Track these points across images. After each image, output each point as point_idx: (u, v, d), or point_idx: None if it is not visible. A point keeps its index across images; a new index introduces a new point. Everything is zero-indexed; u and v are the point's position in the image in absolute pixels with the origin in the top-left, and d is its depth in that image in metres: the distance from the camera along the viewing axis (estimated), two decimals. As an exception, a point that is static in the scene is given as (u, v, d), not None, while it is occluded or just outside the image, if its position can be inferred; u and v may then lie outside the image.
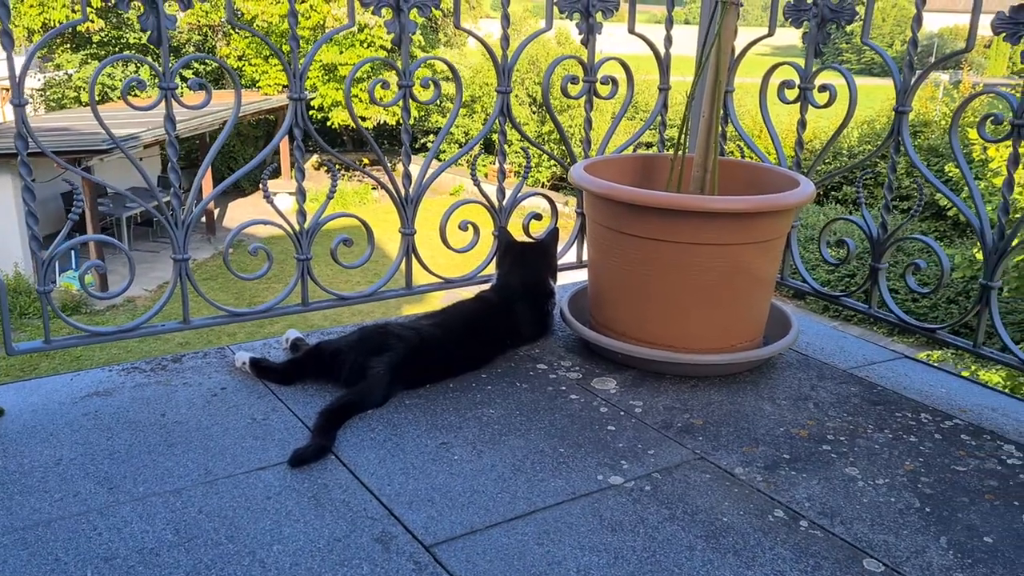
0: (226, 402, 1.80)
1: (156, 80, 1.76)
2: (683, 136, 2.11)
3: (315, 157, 20.25)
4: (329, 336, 2.05)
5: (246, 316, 1.99)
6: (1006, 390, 2.05)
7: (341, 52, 18.43)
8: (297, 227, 1.98)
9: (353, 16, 1.89)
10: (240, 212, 16.87)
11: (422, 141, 20.87)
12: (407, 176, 2.10)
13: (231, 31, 19.37)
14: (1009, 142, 1.81)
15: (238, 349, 2.01)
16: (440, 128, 20.32)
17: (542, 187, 18.11)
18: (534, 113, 18.87)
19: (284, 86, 19.55)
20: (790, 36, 2.16)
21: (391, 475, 1.55)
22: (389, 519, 1.43)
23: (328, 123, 19.17)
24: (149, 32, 1.71)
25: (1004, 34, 1.77)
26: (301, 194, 1.95)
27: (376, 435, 1.69)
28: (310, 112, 19.40)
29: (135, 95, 1.80)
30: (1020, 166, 1.78)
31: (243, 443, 1.64)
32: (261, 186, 1.91)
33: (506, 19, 2.09)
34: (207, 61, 18.41)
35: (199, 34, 19.52)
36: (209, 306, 2.02)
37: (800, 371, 2.07)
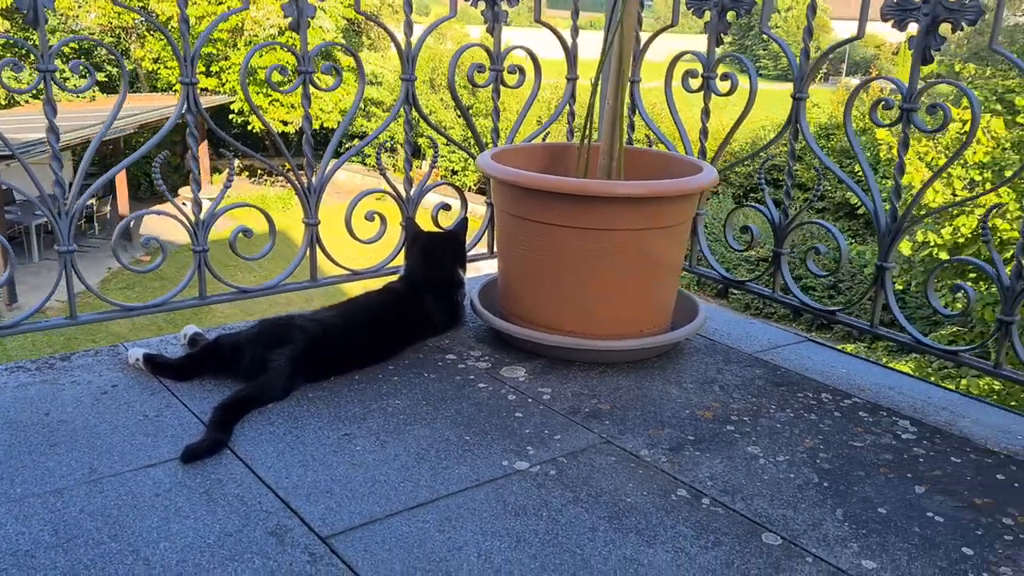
0: (116, 400, 1.72)
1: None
2: (588, 125, 2.11)
3: (237, 162, 19.86)
4: (231, 331, 1.98)
5: (138, 311, 1.91)
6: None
7: (261, 55, 18.08)
8: (193, 218, 1.91)
9: (247, -2, 1.84)
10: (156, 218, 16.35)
11: (347, 145, 20.63)
12: (310, 166, 2.05)
13: (146, 33, 18.82)
14: (900, 127, 1.87)
15: (132, 346, 1.92)
16: (366, 133, 20.11)
17: (469, 190, 18.10)
18: (459, 117, 18.83)
19: (204, 88, 19.09)
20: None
21: (289, 468, 1.50)
22: (285, 512, 1.38)
23: (249, 127, 18.78)
24: (26, 12, 1.62)
25: (892, 21, 1.82)
26: (195, 183, 1.88)
27: (276, 428, 1.63)
28: (230, 116, 19.03)
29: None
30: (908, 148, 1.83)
31: (132, 440, 1.57)
32: (153, 175, 1.83)
33: (408, 5, 2.06)
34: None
35: (111, 36, 18.91)
36: (103, 302, 1.94)
37: (707, 356, 2.09)
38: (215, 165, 19.82)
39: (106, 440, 1.56)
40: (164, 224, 1.95)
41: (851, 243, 14.59)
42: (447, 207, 2.34)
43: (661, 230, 1.91)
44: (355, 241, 2.18)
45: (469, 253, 2.30)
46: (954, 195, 7.89)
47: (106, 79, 18.12)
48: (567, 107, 2.47)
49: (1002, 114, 8.32)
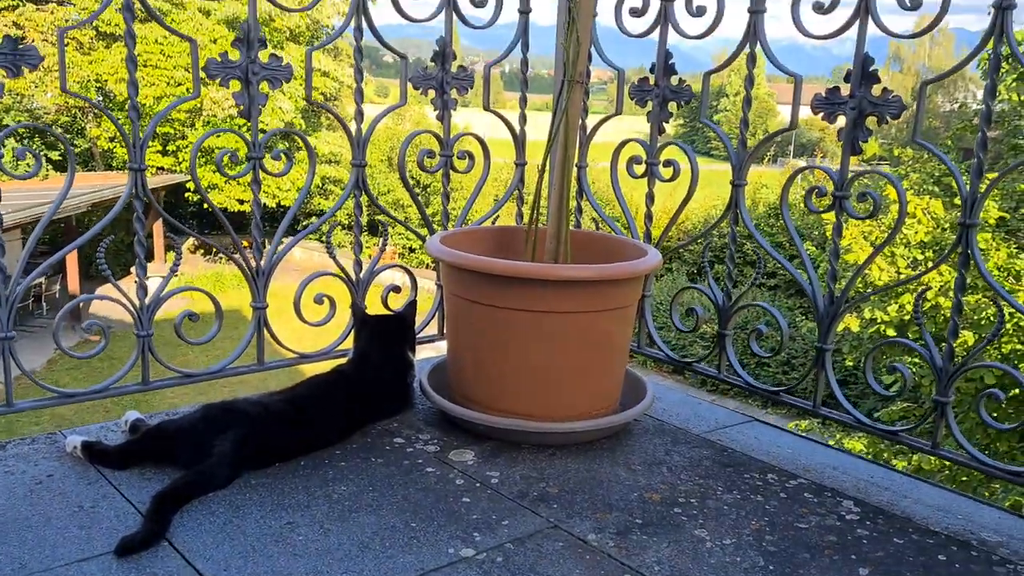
0: (51, 490, 1.67)
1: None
2: (535, 209, 2.16)
3: (192, 240, 19.72)
4: (175, 415, 1.95)
5: (78, 397, 1.87)
6: (868, 455, 2.15)
7: (218, 136, 18.19)
8: (137, 303, 1.89)
9: (198, 87, 1.87)
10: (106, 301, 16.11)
11: (304, 223, 20.66)
12: (258, 250, 2.06)
13: (100, 113, 18.84)
14: (833, 214, 1.94)
15: (70, 433, 1.88)
16: (323, 211, 20.18)
17: (427, 268, 18.14)
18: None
19: (160, 167, 19.08)
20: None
21: (228, 559, 1.46)
22: (222, 606, 1.34)
23: (205, 205, 18.76)
24: (-26, 99, 1.63)
25: (822, 113, 1.91)
26: (142, 268, 1.88)
27: (216, 517, 1.60)
28: (186, 195, 19.00)
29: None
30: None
31: (66, 533, 1.52)
32: (97, 259, 1.82)
33: (359, 93, 2.12)
34: (76, 143, 17.85)
35: (67, 115, 18.89)
36: (42, 387, 1.89)
37: (655, 437, 2.10)
38: (169, 243, 19.67)
39: (38, 533, 1.51)
40: (114, 304, 1.93)
41: (803, 320, 14.86)
42: (397, 289, 2.35)
43: (607, 312, 1.94)
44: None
45: (420, 334, 2.30)
46: (898, 273, 8.12)
47: (60, 157, 18.05)
48: (516, 191, 2.52)
49: (940, 196, 8.65)
